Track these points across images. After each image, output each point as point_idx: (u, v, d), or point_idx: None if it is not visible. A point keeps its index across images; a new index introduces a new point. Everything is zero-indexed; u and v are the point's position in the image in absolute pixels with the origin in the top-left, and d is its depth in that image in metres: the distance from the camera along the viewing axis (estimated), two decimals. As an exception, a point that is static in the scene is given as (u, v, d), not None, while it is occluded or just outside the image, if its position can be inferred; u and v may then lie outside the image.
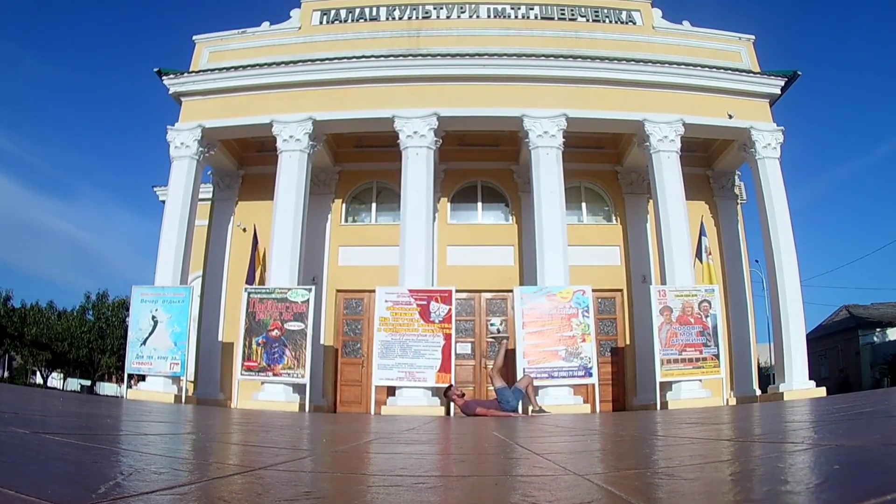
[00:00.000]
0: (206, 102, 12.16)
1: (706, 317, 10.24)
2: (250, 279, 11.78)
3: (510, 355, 11.35)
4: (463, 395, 9.33)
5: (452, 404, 9.72)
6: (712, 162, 13.77)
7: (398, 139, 11.55)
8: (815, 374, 11.31)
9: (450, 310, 10.15)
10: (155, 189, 17.77)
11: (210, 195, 13.83)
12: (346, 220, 13.77)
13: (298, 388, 10.34)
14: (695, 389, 10.08)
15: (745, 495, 1.15)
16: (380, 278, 11.48)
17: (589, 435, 3.75)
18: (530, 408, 9.11)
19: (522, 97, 11.75)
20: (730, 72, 11.99)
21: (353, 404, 12.46)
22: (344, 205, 13.74)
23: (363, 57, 11.88)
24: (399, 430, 4.31)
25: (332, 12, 12.82)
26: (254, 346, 10.36)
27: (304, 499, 1.21)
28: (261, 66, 11.96)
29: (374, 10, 12.77)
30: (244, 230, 13.08)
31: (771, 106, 12.13)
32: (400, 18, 12.71)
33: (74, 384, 37.83)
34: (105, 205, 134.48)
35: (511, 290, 11.31)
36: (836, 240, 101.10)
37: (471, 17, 12.77)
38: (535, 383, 9.83)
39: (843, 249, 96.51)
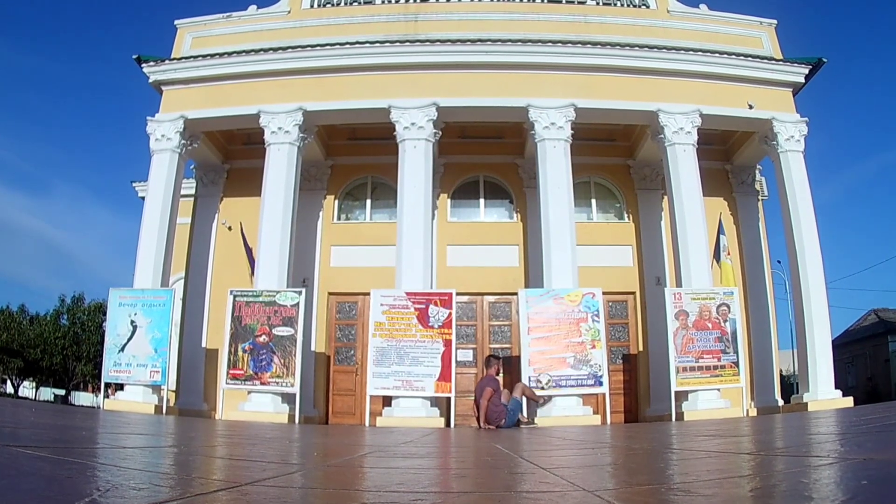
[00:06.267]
0: (188, 91, 12.16)
1: (725, 321, 10.24)
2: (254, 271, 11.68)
3: (514, 363, 11.36)
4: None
5: (452, 413, 9.74)
6: (731, 155, 13.77)
7: (394, 131, 11.54)
8: (842, 383, 11.31)
9: (450, 314, 10.14)
10: (134, 184, 17.77)
11: (193, 191, 13.82)
12: (339, 218, 13.76)
13: (288, 398, 10.34)
14: (713, 399, 10.08)
15: (766, 513, 1.15)
16: (375, 280, 11.48)
17: (599, 448, 3.75)
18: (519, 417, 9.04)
19: (528, 86, 11.74)
20: (750, 59, 11.98)
21: (347, 415, 12.46)
22: (336, 201, 13.73)
23: (357, 43, 11.88)
24: (396, 443, 4.32)
25: (324, -5, 12.81)
26: (240, 352, 10.35)
27: (294, 516, 1.21)
28: (247, 52, 11.95)
29: (369, -8, 12.77)
30: (230, 228, 13.09)
31: (794, 95, 12.13)
32: (397, 2, 12.70)
33: (48, 394, 37.85)
34: (81, 201, 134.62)
35: (515, 293, 11.30)
36: (864, 239, 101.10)
37: (472, 0, 12.78)
38: (540, 392, 9.83)
39: (872, 249, 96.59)
